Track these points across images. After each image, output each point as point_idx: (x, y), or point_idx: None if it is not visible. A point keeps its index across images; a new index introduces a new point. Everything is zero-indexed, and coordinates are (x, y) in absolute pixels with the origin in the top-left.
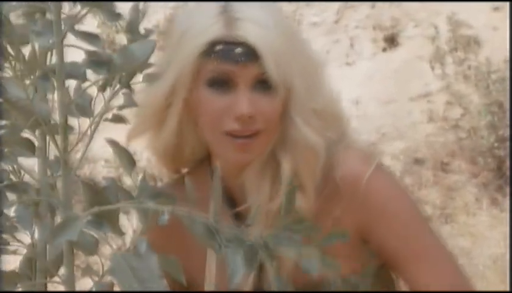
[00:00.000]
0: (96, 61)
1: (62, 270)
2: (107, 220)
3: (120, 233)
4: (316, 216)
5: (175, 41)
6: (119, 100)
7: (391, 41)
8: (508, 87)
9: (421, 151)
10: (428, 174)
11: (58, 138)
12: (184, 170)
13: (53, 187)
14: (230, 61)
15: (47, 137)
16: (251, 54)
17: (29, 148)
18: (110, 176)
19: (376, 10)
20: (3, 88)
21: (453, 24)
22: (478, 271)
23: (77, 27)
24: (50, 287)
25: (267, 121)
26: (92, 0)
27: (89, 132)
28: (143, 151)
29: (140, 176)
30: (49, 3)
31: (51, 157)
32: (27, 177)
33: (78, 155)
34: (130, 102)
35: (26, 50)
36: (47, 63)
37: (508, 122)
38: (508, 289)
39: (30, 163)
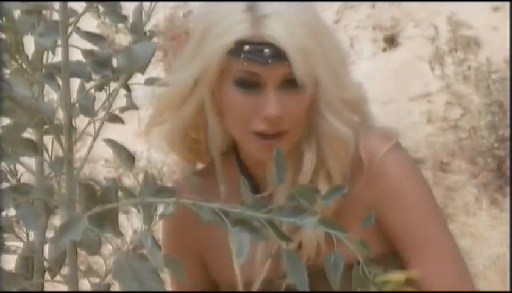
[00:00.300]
0: (98, 61)
1: (64, 270)
2: (107, 220)
3: (119, 234)
4: (343, 200)
5: (200, 36)
6: (118, 100)
7: (391, 41)
8: (508, 87)
9: (421, 151)
10: (428, 174)
11: (62, 137)
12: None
13: (52, 186)
14: (258, 63)
15: (43, 137)
16: (279, 55)
17: (31, 148)
18: (111, 177)
19: (376, 10)
20: (9, 86)
21: (453, 24)
22: (478, 271)
23: (79, 27)
24: (49, 287)
25: (294, 120)
26: (98, 0)
27: (92, 132)
28: (143, 151)
29: (141, 176)
30: (55, 2)
31: (53, 156)
32: (27, 178)
33: (77, 155)
34: (131, 105)
35: (29, 49)
36: (47, 62)
37: (508, 123)
38: (508, 289)
39: (30, 162)
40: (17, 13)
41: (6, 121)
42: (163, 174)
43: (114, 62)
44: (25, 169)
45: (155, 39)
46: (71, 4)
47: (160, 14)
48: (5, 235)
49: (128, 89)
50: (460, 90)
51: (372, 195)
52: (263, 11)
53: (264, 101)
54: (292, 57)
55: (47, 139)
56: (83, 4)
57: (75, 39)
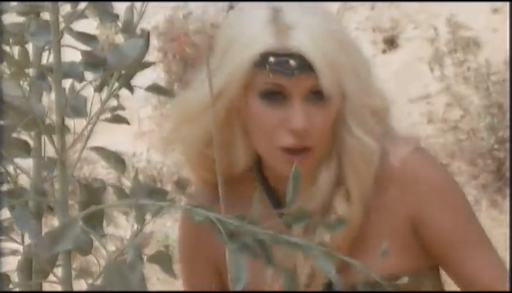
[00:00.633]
0: (91, 61)
1: (59, 271)
2: (97, 221)
3: (104, 235)
4: (367, 215)
5: (223, 48)
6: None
7: (391, 42)
8: (507, 89)
9: None
10: None
11: (55, 138)
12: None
13: (48, 187)
14: (284, 74)
15: (42, 138)
16: (305, 66)
17: (24, 149)
18: (99, 178)
19: (375, 12)
20: None
21: (453, 25)
22: None
23: (75, 27)
24: (48, 288)
25: (320, 135)
26: (88, 0)
27: (85, 132)
28: (143, 152)
29: (141, 177)
30: (47, 2)
31: (46, 158)
32: (26, 180)
33: (76, 156)
34: (119, 106)
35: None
36: (44, 62)
37: (507, 124)
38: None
39: (27, 164)
40: (12, 15)
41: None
42: (162, 175)
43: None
44: (19, 170)
45: (153, 38)
46: (68, 5)
47: (159, 16)
48: (2, 237)
49: (131, 89)
50: (460, 91)
51: (408, 202)
52: (287, 22)
53: (290, 113)
54: (318, 67)
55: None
56: (81, 5)
57: (70, 38)
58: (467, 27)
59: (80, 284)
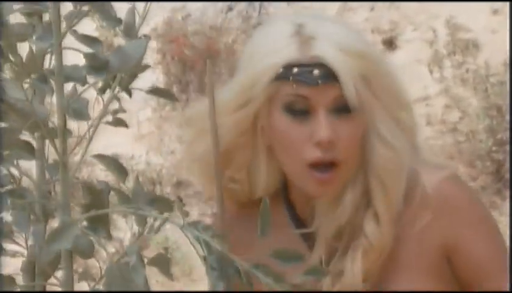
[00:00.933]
0: (94, 64)
1: (60, 273)
2: (101, 224)
3: (110, 237)
4: (398, 239)
5: (246, 62)
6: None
7: (390, 44)
8: (506, 90)
9: None
10: None
11: (57, 141)
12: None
13: (50, 190)
14: (307, 84)
15: (46, 140)
16: (329, 76)
17: (28, 151)
18: (103, 180)
19: (375, 13)
20: (2, 90)
21: (452, 27)
22: None
23: (76, 29)
24: (48, 289)
25: (347, 148)
26: (92, 0)
27: (87, 135)
28: (142, 154)
29: (140, 179)
30: (48, 4)
31: (50, 160)
32: (28, 182)
33: (77, 158)
34: (120, 108)
35: (24, 51)
36: (47, 65)
37: (506, 126)
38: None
39: (27, 166)
40: (15, 17)
41: (2, 124)
42: (161, 178)
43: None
44: (21, 173)
45: (152, 42)
46: (68, 7)
47: (158, 18)
48: (3, 239)
49: (129, 93)
50: (458, 93)
51: (443, 230)
52: (310, 33)
53: (315, 126)
54: (342, 76)
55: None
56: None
57: (73, 41)
58: (466, 29)
59: (80, 287)
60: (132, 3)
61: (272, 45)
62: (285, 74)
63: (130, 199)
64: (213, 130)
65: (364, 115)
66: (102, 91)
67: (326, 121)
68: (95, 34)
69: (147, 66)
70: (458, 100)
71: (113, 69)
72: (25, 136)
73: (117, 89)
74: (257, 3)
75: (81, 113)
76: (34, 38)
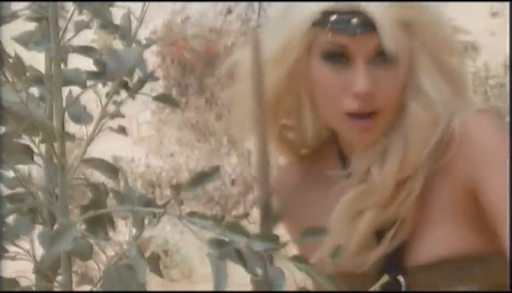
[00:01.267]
0: (97, 70)
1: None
2: (100, 226)
3: (108, 239)
4: (430, 183)
5: (284, 10)
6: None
7: None
8: (506, 92)
9: None
10: None
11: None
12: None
13: (52, 193)
14: (345, 33)
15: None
16: (368, 25)
17: (27, 154)
18: (101, 182)
19: None
20: None
21: (451, 29)
22: None
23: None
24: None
25: (386, 98)
26: (91, 0)
27: (85, 138)
28: (141, 157)
29: (140, 182)
30: (46, 8)
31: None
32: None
33: (77, 162)
34: (117, 113)
35: (23, 55)
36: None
37: (506, 128)
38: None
39: (26, 169)
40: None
41: (1, 128)
42: (161, 180)
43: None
44: (19, 176)
45: (153, 48)
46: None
47: (158, 21)
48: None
49: (132, 95)
50: None
51: (463, 166)
52: None
53: (353, 76)
54: (381, 26)
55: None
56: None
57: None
58: (465, 31)
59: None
60: (127, 7)
61: None
62: (323, 20)
63: (125, 200)
64: (257, 88)
65: (405, 65)
66: (110, 97)
67: (364, 72)
68: (94, 37)
69: (157, 78)
70: None
71: (110, 74)
72: (25, 140)
73: (121, 94)
74: (256, 6)
75: (79, 117)
76: (33, 42)
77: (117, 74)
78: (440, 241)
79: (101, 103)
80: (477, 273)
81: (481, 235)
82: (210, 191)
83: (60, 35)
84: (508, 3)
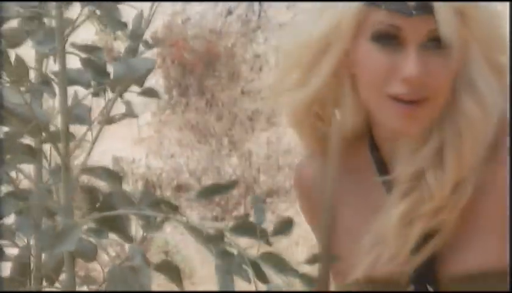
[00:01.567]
0: (97, 69)
1: (62, 276)
2: (111, 227)
3: (130, 239)
4: (476, 193)
5: None
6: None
7: None
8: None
9: None
10: None
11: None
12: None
13: (50, 192)
14: (400, 14)
15: (43, 144)
16: (425, 7)
17: (30, 155)
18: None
19: None
20: (0, 95)
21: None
22: None
23: (75, 35)
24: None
25: (437, 86)
26: (98, 0)
27: (89, 138)
28: (142, 158)
29: (140, 183)
30: (51, 9)
31: (52, 163)
32: (26, 185)
33: (76, 161)
34: (130, 112)
35: (25, 55)
36: (46, 68)
37: None
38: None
39: (29, 169)
40: (16, 21)
41: (4, 128)
42: (161, 181)
43: (110, 68)
44: (23, 176)
45: (154, 50)
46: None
47: (158, 21)
48: (3, 242)
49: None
50: None
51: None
52: None
53: (404, 59)
54: (438, 8)
55: (47, 146)
56: (79, 11)
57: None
58: None
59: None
60: (140, 8)
61: None
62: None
63: (132, 202)
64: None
65: (458, 54)
66: (96, 95)
67: (416, 57)
68: (94, 38)
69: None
70: None
71: (117, 79)
72: (27, 140)
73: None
74: (257, 7)
75: (82, 118)
76: (35, 43)
77: (123, 80)
78: (483, 253)
79: (106, 104)
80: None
81: None
82: None
83: (66, 33)
84: (508, 4)
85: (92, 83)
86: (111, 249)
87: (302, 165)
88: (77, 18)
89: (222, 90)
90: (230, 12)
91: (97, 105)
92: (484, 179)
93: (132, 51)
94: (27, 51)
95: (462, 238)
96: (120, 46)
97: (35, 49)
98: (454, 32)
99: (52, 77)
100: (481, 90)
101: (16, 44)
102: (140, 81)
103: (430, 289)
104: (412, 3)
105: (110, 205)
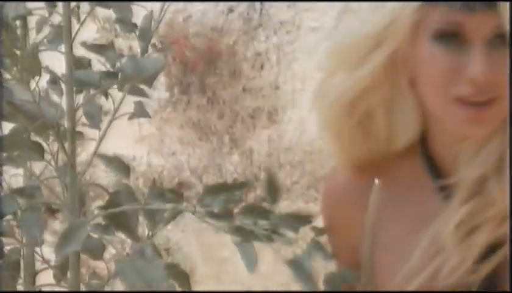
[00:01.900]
0: (107, 71)
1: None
2: (117, 224)
3: (137, 238)
4: None
5: None
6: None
7: None
8: None
9: None
10: None
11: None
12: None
13: (52, 189)
14: (463, 10)
15: (50, 142)
16: (489, 2)
17: (38, 152)
18: (124, 182)
19: None
20: (9, 91)
21: None
22: None
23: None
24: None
25: (505, 85)
26: (106, 0)
27: (95, 137)
28: (143, 156)
29: (141, 180)
30: (59, 8)
31: (58, 161)
32: (21, 182)
33: (78, 159)
34: (140, 112)
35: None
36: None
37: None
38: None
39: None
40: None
41: (10, 125)
42: (163, 179)
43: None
44: (28, 172)
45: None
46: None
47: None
48: (4, 239)
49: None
50: None
51: None
52: None
53: (469, 59)
54: (503, 3)
55: (53, 144)
56: (84, 10)
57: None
58: None
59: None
60: (150, 9)
61: None
62: None
63: (137, 199)
64: None
65: None
66: (104, 94)
67: (482, 56)
68: (96, 36)
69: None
70: None
71: (126, 78)
72: (35, 137)
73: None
74: (258, 5)
75: (93, 118)
76: (46, 42)
77: (133, 79)
78: None
79: (113, 103)
80: None
81: None
82: None
83: (74, 33)
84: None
85: (102, 82)
86: (111, 247)
87: (333, 180)
88: (85, 17)
89: (224, 87)
90: (231, 10)
91: (102, 103)
92: None
93: (142, 51)
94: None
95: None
96: (122, 43)
97: (45, 49)
98: None
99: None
100: None
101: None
102: (149, 81)
103: None
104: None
105: (116, 202)
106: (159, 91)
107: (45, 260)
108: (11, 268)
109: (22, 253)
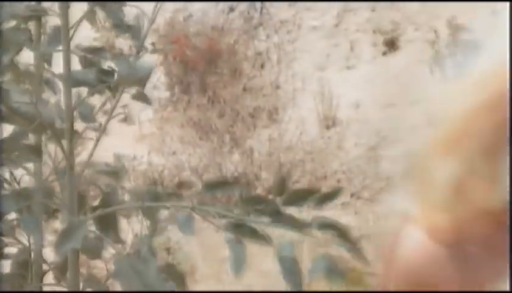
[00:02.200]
0: (103, 70)
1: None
2: (102, 227)
3: (120, 240)
4: None
5: None
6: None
7: (391, 44)
8: None
9: None
10: None
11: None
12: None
13: (52, 189)
14: None
15: (48, 142)
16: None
17: (36, 153)
18: (112, 183)
19: (376, 14)
20: (6, 93)
21: (453, 27)
22: None
23: (76, 32)
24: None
25: None
26: (103, 0)
27: (93, 136)
28: (144, 155)
29: (141, 179)
30: (56, 8)
31: (49, 162)
32: (26, 182)
33: (77, 159)
34: (140, 97)
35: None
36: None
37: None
38: (507, 289)
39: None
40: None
41: (10, 127)
42: (163, 178)
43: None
44: (27, 173)
45: (155, 54)
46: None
47: (160, 18)
48: (5, 240)
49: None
50: None
51: None
52: None
53: None
54: None
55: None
56: (81, 9)
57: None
58: (467, 29)
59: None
60: (142, 10)
61: None
62: None
63: (123, 200)
64: None
65: None
66: (100, 93)
67: None
68: (96, 36)
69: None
70: None
71: (120, 80)
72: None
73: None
74: (258, 4)
75: (87, 117)
76: (46, 42)
77: (126, 80)
78: None
79: (110, 104)
80: None
81: None
82: None
83: (71, 33)
84: (507, 3)
85: (97, 82)
86: (111, 246)
87: (415, 245)
88: (82, 17)
89: (224, 87)
90: (231, 9)
91: (98, 104)
92: None
93: (137, 51)
94: (26, 50)
95: None
96: (122, 43)
97: (42, 50)
98: None
99: (56, 76)
100: None
101: (19, 45)
102: (142, 82)
103: None
104: None
105: (108, 203)
106: (159, 91)
107: (45, 261)
108: (20, 269)
109: (30, 254)
